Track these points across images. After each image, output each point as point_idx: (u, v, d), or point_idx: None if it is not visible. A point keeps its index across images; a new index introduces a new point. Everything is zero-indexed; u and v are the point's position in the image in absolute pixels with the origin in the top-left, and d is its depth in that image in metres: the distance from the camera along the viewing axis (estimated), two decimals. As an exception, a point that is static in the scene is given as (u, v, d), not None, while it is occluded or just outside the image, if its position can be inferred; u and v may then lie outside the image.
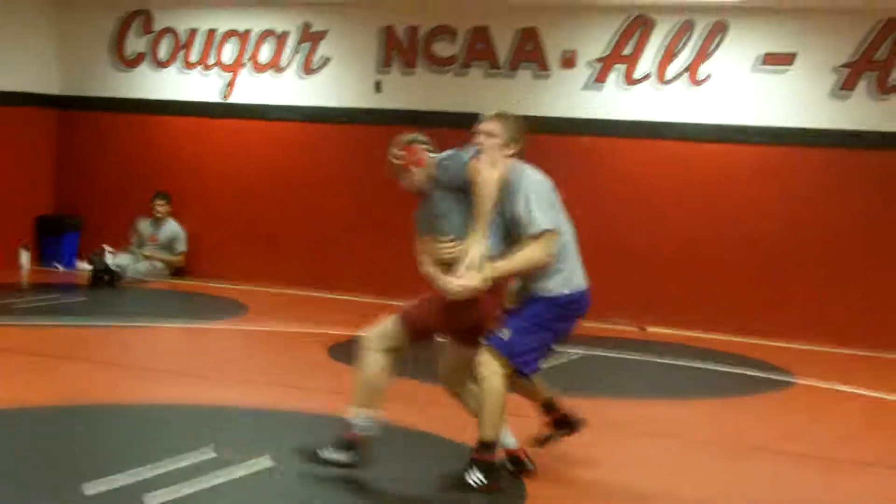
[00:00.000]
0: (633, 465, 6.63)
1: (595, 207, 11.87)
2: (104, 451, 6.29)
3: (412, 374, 8.53)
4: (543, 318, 5.88)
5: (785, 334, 11.10)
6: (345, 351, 9.42)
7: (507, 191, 5.84)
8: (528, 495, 5.82)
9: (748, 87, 11.40)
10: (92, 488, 5.43)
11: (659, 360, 9.86)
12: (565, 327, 6.05)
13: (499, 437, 5.92)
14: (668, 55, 11.62)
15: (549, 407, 6.40)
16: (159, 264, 13.26)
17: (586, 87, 11.86)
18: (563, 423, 6.44)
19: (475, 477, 5.80)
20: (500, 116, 6.02)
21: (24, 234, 13.71)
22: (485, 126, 5.99)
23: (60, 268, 13.67)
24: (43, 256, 13.82)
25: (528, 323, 5.85)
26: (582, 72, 11.88)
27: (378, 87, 12.62)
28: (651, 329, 11.50)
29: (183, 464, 5.91)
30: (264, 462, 6.02)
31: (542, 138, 12.18)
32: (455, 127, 12.21)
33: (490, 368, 5.81)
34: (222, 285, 12.94)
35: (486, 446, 5.84)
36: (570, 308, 5.97)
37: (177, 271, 13.38)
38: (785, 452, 6.95)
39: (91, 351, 9.14)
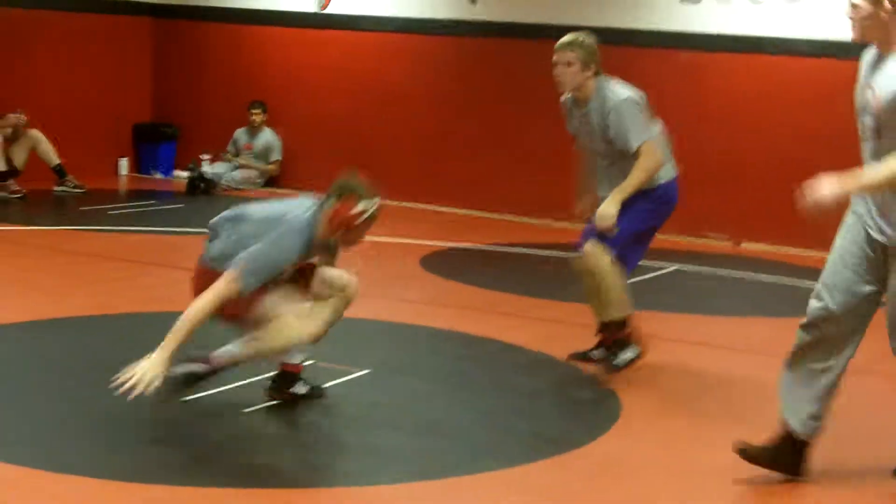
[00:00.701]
0: (725, 381, 6.60)
1: (690, 123, 11.69)
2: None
3: (517, 291, 8.60)
4: (646, 211, 6.15)
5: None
6: (437, 262, 9.49)
7: (600, 112, 6.09)
8: (622, 407, 5.83)
9: (851, -1, 11.09)
10: (189, 394, 5.53)
11: (754, 277, 9.76)
12: (660, 221, 6.31)
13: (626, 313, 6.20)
14: (769, -34, 11.37)
15: (608, 327, 6.40)
16: (254, 173, 13.37)
17: (683, 0, 11.65)
18: (612, 348, 6.41)
19: (623, 356, 6.19)
20: (571, 44, 6.16)
21: (122, 142, 13.89)
22: (559, 57, 6.17)
23: (158, 175, 13.86)
24: (140, 164, 14.01)
25: (634, 218, 6.09)
26: (680, -17, 11.67)
27: (474, -3, 12.51)
28: (746, 245, 11.38)
29: (279, 372, 5.99)
30: (360, 371, 6.09)
31: (637, 52, 12.06)
32: (551, 39, 12.11)
33: (596, 254, 6.08)
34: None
35: (619, 324, 6.20)
36: (666, 199, 6.23)
37: (271, 180, 13.49)
38: (881, 374, 6.87)
39: (187, 258, 9.24)
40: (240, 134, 13.53)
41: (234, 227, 5.32)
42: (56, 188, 12.13)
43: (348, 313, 7.43)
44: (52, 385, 5.73)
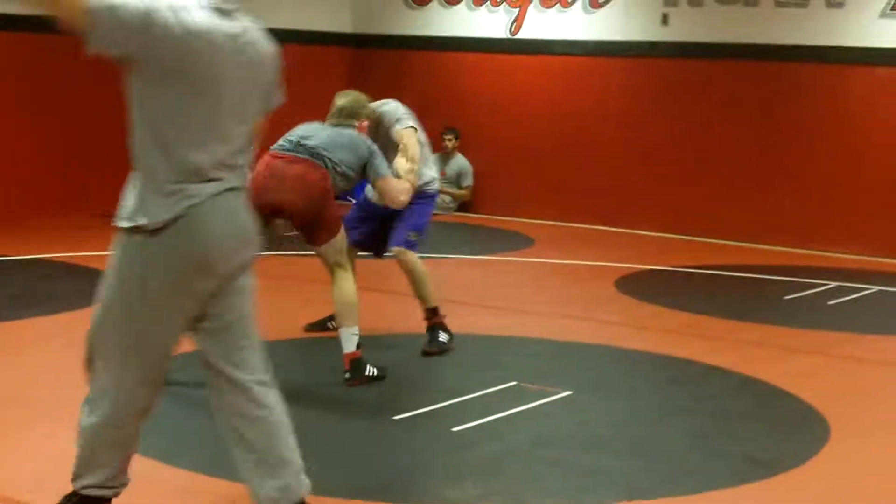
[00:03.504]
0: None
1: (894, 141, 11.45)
2: (408, 378, 6.54)
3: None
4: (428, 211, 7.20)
5: None
6: (632, 284, 9.47)
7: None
8: (831, 430, 5.73)
9: None
10: (399, 414, 5.67)
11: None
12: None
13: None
14: (976, -22, 11.05)
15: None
16: (447, 198, 13.55)
17: (883, 15, 11.39)
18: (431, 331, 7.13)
19: (441, 337, 6.98)
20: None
21: (319, 168, 14.22)
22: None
23: (352, 201, 14.13)
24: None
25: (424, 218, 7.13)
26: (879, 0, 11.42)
27: (665, 19, 12.46)
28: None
29: (484, 392, 6.10)
30: (562, 392, 6.14)
31: (834, 69, 11.87)
32: (745, 58, 12.01)
33: (411, 257, 7.02)
34: (508, 219, 13.15)
35: (435, 311, 7.05)
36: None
37: (463, 205, 13.66)
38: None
39: (385, 282, 9.43)
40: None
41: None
42: (258, 215, 12.50)
43: (544, 333, 7.57)
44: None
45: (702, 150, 12.30)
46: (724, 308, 8.65)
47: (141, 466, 4.83)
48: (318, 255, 6.39)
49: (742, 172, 12.08)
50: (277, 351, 6.76)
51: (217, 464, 4.88)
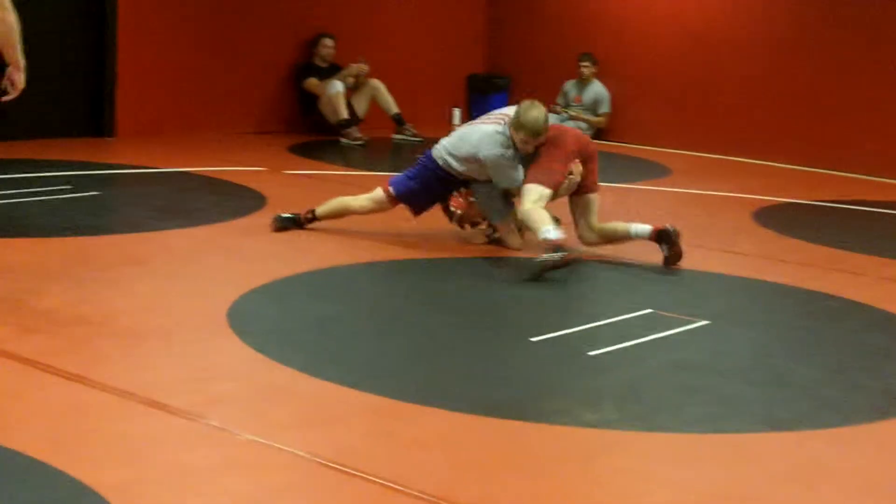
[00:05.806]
0: None
1: None
2: (544, 302, 6.56)
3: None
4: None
5: None
6: (770, 216, 9.34)
7: None
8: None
9: None
10: (536, 336, 5.70)
11: None
12: None
13: None
14: None
15: None
16: (583, 125, 13.44)
17: None
18: None
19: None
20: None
21: (456, 92, 14.24)
22: None
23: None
24: (472, 114, 14.31)
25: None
26: None
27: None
28: None
29: (620, 318, 6.09)
30: (699, 321, 6.10)
31: None
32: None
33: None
34: (645, 147, 13.03)
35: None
36: None
37: (599, 132, 13.55)
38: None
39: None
40: (569, 86, 13.64)
41: None
42: (395, 136, 12.57)
43: (680, 263, 7.51)
44: (405, 321, 6.01)
45: (843, 83, 12.01)
46: (866, 243, 8.48)
47: (279, 377, 4.96)
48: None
49: (884, 106, 11.78)
50: (415, 269, 6.93)
51: (356, 376, 4.99)
